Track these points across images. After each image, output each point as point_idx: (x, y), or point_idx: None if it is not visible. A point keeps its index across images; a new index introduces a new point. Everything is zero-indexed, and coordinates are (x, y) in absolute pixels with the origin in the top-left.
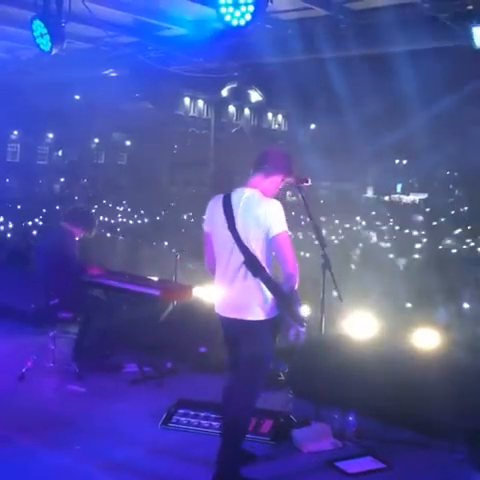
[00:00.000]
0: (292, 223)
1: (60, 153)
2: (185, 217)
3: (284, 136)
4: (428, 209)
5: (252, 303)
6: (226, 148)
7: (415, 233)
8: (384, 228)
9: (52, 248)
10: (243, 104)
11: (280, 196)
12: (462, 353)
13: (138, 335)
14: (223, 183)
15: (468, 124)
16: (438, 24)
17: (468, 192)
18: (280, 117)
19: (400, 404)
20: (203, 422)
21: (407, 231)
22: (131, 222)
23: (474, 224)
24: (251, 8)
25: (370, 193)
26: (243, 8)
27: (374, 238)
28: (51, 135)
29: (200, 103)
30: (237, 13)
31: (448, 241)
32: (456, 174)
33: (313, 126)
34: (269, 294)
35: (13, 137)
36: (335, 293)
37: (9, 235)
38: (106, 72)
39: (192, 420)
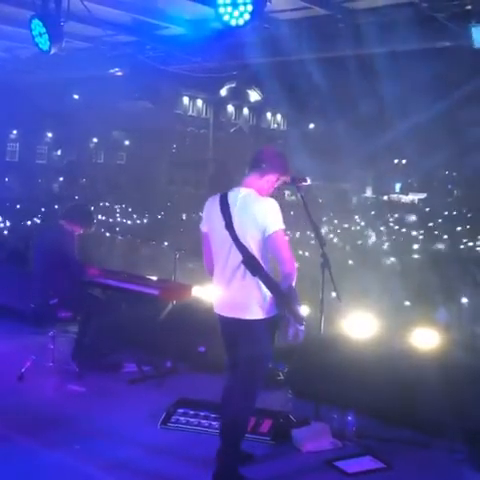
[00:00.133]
0: (292, 222)
1: (59, 152)
2: (184, 216)
3: (283, 135)
4: (428, 209)
5: (251, 302)
6: (225, 147)
7: (414, 233)
8: (382, 228)
9: (50, 247)
10: (242, 103)
11: (278, 195)
12: (461, 353)
13: (138, 334)
14: (222, 182)
15: (467, 125)
16: (437, 24)
17: (467, 192)
18: (279, 117)
19: (399, 404)
20: (202, 421)
21: (404, 230)
22: (130, 222)
23: (473, 224)
24: (250, 8)
25: (369, 193)
26: (241, 8)
27: (373, 237)
28: (50, 134)
29: (199, 102)
30: (235, 13)
31: (446, 241)
32: (455, 174)
33: (312, 125)
34: (268, 293)
35: (12, 136)
36: (334, 293)
37: (8, 234)
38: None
39: (191, 420)
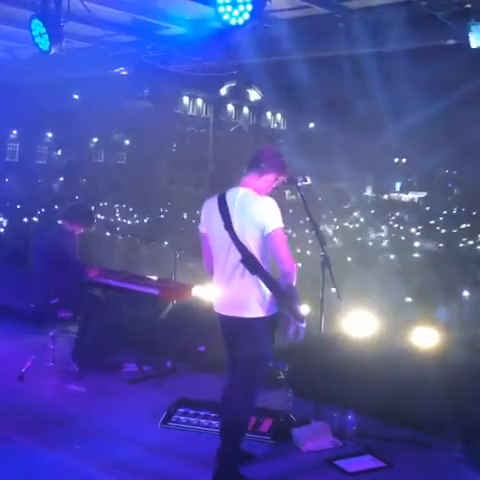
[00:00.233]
0: (291, 222)
1: (59, 152)
2: (185, 216)
3: (283, 135)
4: (428, 208)
5: (250, 300)
6: (225, 147)
7: (413, 231)
8: (383, 227)
9: (51, 246)
10: (242, 103)
11: (278, 195)
12: (461, 352)
13: (138, 334)
14: (222, 182)
15: (466, 125)
16: (436, 23)
17: (467, 191)
18: (279, 116)
19: (399, 403)
20: (203, 421)
21: (403, 229)
22: (130, 222)
23: (472, 223)
24: (249, 7)
25: (369, 192)
26: (241, 7)
27: (373, 236)
28: (50, 134)
29: (199, 102)
30: (235, 12)
31: (446, 240)
32: (455, 173)
33: (312, 125)
34: (267, 291)
35: (12, 136)
36: (334, 290)
37: (8, 233)
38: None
39: (192, 419)
